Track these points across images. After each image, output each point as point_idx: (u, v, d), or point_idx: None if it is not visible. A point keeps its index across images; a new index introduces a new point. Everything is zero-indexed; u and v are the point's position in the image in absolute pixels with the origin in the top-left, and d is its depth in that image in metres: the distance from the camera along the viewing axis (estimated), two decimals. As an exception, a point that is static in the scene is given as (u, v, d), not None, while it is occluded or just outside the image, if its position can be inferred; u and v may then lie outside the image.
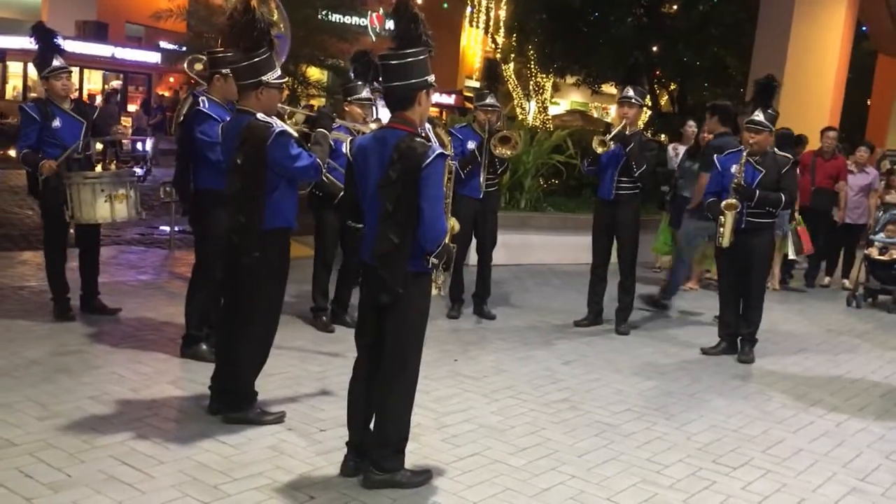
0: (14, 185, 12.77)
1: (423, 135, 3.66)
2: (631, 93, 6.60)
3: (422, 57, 3.56)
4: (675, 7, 17.33)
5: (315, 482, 3.74)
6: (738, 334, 6.44)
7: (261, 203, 4.09)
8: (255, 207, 4.08)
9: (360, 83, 6.12)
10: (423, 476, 3.81)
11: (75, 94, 8.27)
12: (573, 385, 5.43)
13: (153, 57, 26.52)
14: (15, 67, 24.96)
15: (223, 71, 5.02)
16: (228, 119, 4.62)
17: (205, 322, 5.28)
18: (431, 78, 3.61)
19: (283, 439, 4.18)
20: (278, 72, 4.23)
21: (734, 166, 6.17)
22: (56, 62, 5.83)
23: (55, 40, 5.89)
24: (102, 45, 24.76)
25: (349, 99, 6.12)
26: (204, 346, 5.26)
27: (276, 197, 4.18)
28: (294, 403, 4.68)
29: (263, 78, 4.14)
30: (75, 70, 20.15)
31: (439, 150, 3.53)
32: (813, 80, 12.61)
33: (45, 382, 4.69)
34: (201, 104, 5.06)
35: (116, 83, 27.22)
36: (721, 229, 6.17)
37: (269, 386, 4.90)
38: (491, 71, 7.06)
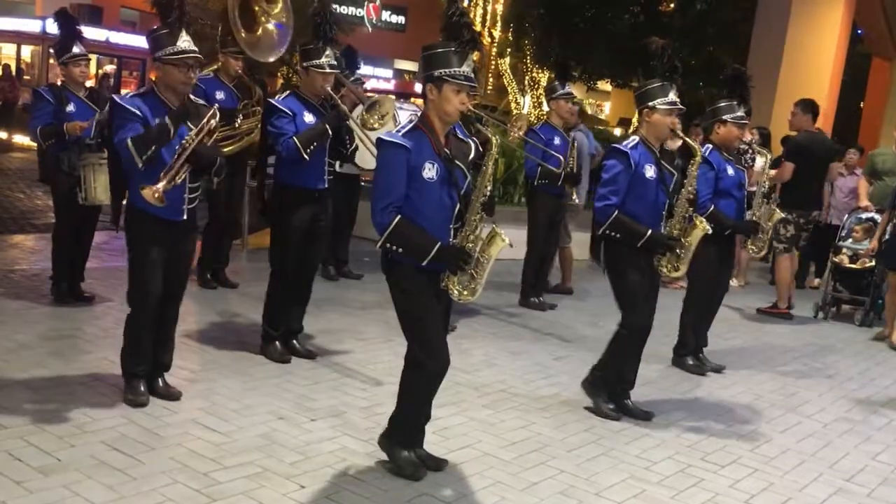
0: (5, 169, 12.70)
1: (413, 124, 3.62)
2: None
3: (434, 51, 3.56)
4: (672, 5, 17.37)
5: (306, 471, 3.74)
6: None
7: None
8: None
9: (321, 46, 5.09)
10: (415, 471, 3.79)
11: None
12: (564, 381, 5.45)
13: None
14: (8, 49, 24.79)
15: (304, 64, 5.04)
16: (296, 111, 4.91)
17: (281, 320, 5.24)
18: (439, 72, 3.53)
19: (274, 428, 4.18)
20: (178, 47, 4.14)
21: (729, 167, 5.74)
22: (75, 49, 5.83)
23: (76, 27, 5.92)
24: (97, 30, 24.63)
25: (305, 64, 5.11)
26: (277, 345, 5.22)
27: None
28: (285, 392, 4.68)
29: (157, 53, 4.14)
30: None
31: (383, 137, 3.57)
32: (808, 81, 12.64)
33: (37, 367, 4.67)
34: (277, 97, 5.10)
35: (110, 68, 27.07)
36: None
37: (258, 374, 4.92)
38: None
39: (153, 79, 4.36)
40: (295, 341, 5.34)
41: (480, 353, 5.85)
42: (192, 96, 4.34)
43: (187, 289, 4.58)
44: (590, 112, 31.88)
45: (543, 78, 23.59)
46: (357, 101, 5.90)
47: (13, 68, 24.73)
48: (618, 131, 21.96)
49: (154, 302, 4.26)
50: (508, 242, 3.62)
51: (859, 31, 18.74)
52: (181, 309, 4.52)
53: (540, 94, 24.05)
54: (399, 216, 3.52)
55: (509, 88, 22.72)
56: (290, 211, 5.10)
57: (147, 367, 4.35)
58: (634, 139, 4.75)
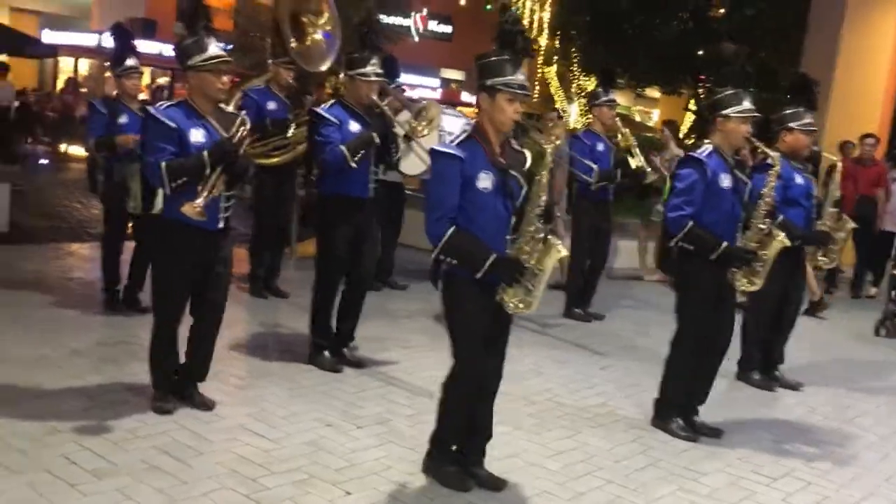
0: (64, 180, 13.05)
1: (467, 133, 3.59)
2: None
3: (488, 60, 3.53)
4: (721, 11, 17.13)
5: (351, 478, 3.76)
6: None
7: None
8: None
9: (366, 55, 5.12)
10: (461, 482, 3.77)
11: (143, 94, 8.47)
12: (610, 390, 5.40)
13: (200, 54, 26.80)
14: (66, 63, 25.49)
15: (349, 72, 5.10)
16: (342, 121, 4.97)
17: (328, 329, 5.30)
18: (492, 81, 3.49)
19: (321, 435, 4.21)
20: (209, 53, 4.14)
21: (797, 176, 5.53)
22: (129, 62, 5.95)
23: (131, 41, 6.06)
24: (150, 42, 25.18)
25: (351, 73, 5.14)
26: (327, 355, 5.27)
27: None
28: (332, 400, 4.72)
29: (189, 62, 4.16)
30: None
31: (436, 147, 3.55)
32: (863, 86, 12.35)
33: (91, 372, 4.78)
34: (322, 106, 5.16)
35: (163, 80, 27.65)
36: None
37: (305, 381, 4.97)
38: None
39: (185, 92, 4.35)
40: (345, 349, 5.37)
41: (528, 362, 5.82)
42: (226, 107, 4.39)
43: (238, 297, 4.63)
44: (637, 119, 31.62)
45: (590, 85, 23.51)
46: (401, 107, 5.93)
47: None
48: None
49: (181, 314, 4.29)
50: (565, 253, 3.57)
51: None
52: (230, 317, 4.55)
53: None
54: (453, 227, 3.47)
55: (556, 96, 22.65)
56: (336, 220, 5.14)
57: (173, 375, 4.38)
58: (708, 147, 4.59)
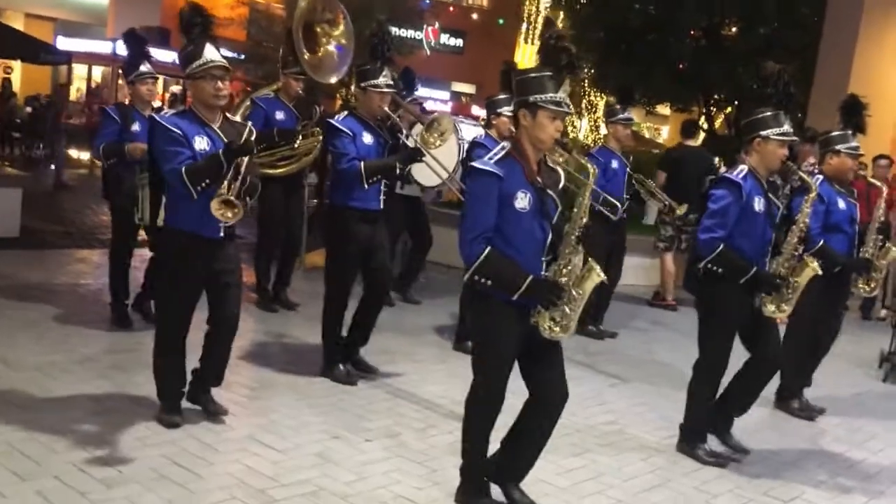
0: (76, 186, 13.10)
1: (505, 151, 3.48)
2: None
3: (528, 76, 3.50)
4: (734, 29, 17.12)
5: (360, 492, 3.75)
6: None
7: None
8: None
9: (379, 66, 5.15)
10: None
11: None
12: (620, 408, 5.37)
13: (213, 64, 26.95)
14: (80, 70, 25.65)
15: (362, 84, 5.11)
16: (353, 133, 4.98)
17: (339, 341, 5.28)
18: (533, 97, 3.41)
19: (329, 447, 4.20)
20: (204, 58, 4.13)
21: (840, 201, 5.38)
22: (143, 67, 5.89)
23: (145, 46, 6.01)
24: (164, 51, 25.34)
25: (363, 84, 5.15)
26: (341, 367, 5.24)
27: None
28: (340, 412, 4.70)
29: (187, 70, 4.16)
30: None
31: (475, 164, 3.47)
32: (875, 107, 12.24)
33: (100, 379, 4.79)
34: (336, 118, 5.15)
35: (176, 88, 27.80)
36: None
37: (314, 393, 4.95)
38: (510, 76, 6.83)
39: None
40: (358, 357, 5.40)
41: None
42: (232, 116, 4.40)
43: (247, 307, 4.62)
44: (647, 136, 31.62)
45: (601, 102, 23.51)
46: (415, 120, 5.94)
47: (83, 89, 25.57)
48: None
49: (186, 325, 4.25)
50: (604, 278, 3.49)
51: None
52: (239, 326, 4.52)
53: (597, 117, 23.95)
54: (489, 247, 3.37)
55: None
56: (346, 232, 5.14)
57: (182, 387, 4.35)
58: (743, 168, 4.48)
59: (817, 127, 8.05)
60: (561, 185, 3.63)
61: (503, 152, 3.47)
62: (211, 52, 4.16)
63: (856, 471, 4.76)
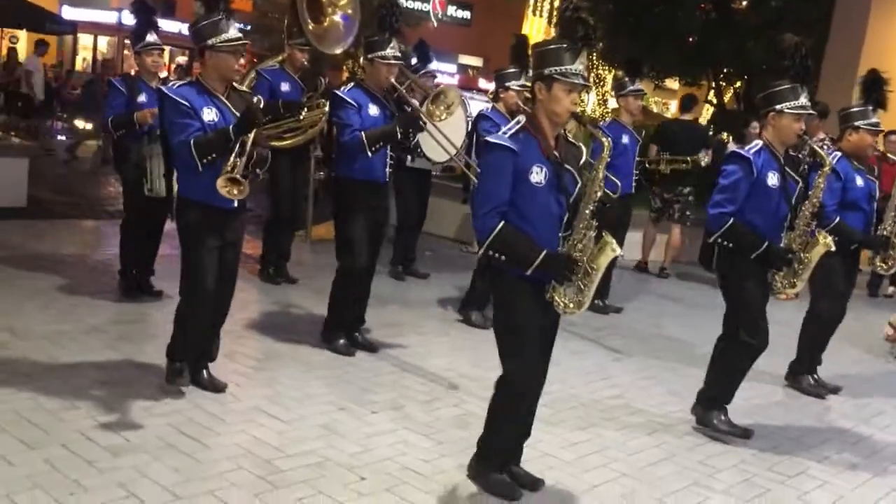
0: (84, 157, 13.08)
1: (521, 125, 3.41)
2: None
3: (545, 48, 3.41)
4: (744, 2, 16.91)
5: (367, 463, 3.76)
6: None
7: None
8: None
9: (386, 37, 5.09)
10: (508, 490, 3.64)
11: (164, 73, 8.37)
12: (624, 382, 5.38)
13: (219, 34, 26.79)
14: (85, 40, 25.54)
15: (369, 55, 5.07)
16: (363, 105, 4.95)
17: (346, 315, 5.27)
18: (549, 70, 3.32)
19: (335, 419, 4.21)
20: (230, 34, 4.14)
21: (858, 177, 5.30)
22: (149, 38, 5.83)
23: (154, 17, 5.94)
24: (170, 21, 25.20)
25: (370, 56, 5.12)
26: (342, 341, 5.24)
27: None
28: (346, 384, 4.71)
29: (209, 41, 4.13)
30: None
31: (489, 139, 3.41)
32: (889, 79, 12.17)
33: (107, 349, 4.80)
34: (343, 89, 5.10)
35: (182, 59, 27.67)
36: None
37: (320, 365, 4.97)
38: (520, 49, 6.48)
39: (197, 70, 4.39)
40: (357, 333, 5.37)
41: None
42: (239, 86, 4.37)
43: (251, 280, 4.62)
44: (655, 110, 31.37)
45: (608, 75, 23.30)
46: (424, 93, 5.89)
47: (89, 59, 25.48)
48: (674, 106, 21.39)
49: (211, 292, 4.26)
50: (620, 252, 3.44)
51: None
52: (245, 298, 4.52)
53: (605, 91, 23.77)
54: (503, 222, 3.32)
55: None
56: (352, 204, 5.12)
57: (194, 356, 4.37)
58: (757, 143, 4.43)
59: (827, 102, 7.97)
60: (582, 160, 3.57)
61: (518, 126, 3.41)
62: (235, 30, 4.19)
63: (862, 447, 4.77)
